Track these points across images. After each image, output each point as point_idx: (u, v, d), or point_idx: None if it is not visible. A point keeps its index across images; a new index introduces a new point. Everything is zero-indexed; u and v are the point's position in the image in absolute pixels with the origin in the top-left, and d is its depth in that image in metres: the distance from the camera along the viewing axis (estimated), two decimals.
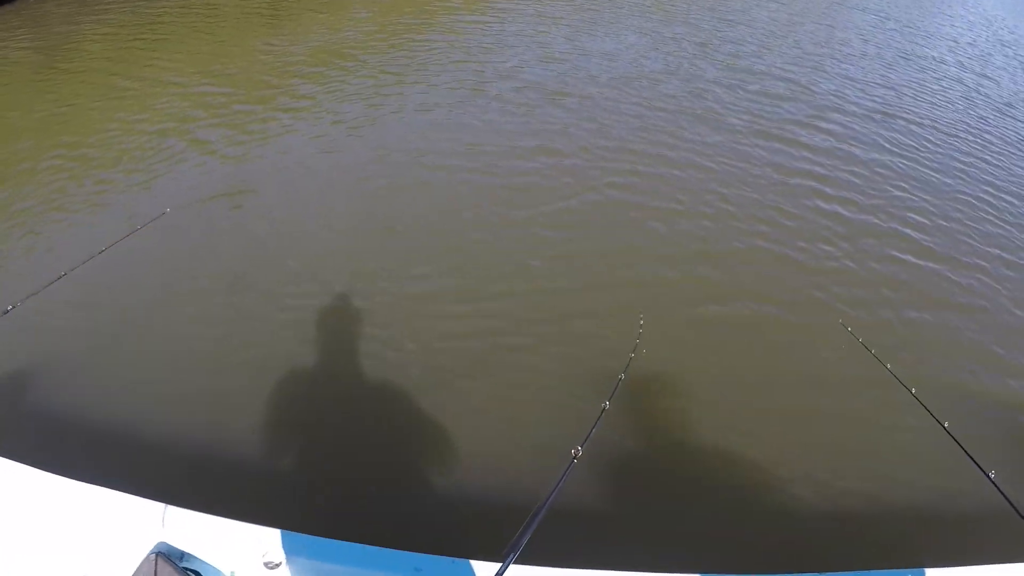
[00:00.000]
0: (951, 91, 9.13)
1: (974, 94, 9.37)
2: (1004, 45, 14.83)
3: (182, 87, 6.70)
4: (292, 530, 1.65)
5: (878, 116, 7.38)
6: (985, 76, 10.93)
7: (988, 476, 1.71)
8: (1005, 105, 9.35)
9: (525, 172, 5.40)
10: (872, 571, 1.74)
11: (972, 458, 1.80)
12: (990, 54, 12.88)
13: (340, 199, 4.84)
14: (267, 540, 1.62)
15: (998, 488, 1.67)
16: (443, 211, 4.73)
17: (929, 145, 6.81)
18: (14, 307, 2.25)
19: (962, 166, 6.42)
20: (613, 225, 4.73)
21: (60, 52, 7.48)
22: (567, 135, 6.08)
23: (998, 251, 4.96)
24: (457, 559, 1.64)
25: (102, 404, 2.99)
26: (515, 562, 1.30)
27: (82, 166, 5.11)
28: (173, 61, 7.39)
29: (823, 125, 6.88)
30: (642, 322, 3.29)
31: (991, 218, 5.47)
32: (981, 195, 5.85)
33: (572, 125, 6.30)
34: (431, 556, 1.64)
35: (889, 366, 2.46)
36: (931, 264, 4.68)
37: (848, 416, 3.25)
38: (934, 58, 10.71)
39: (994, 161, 6.66)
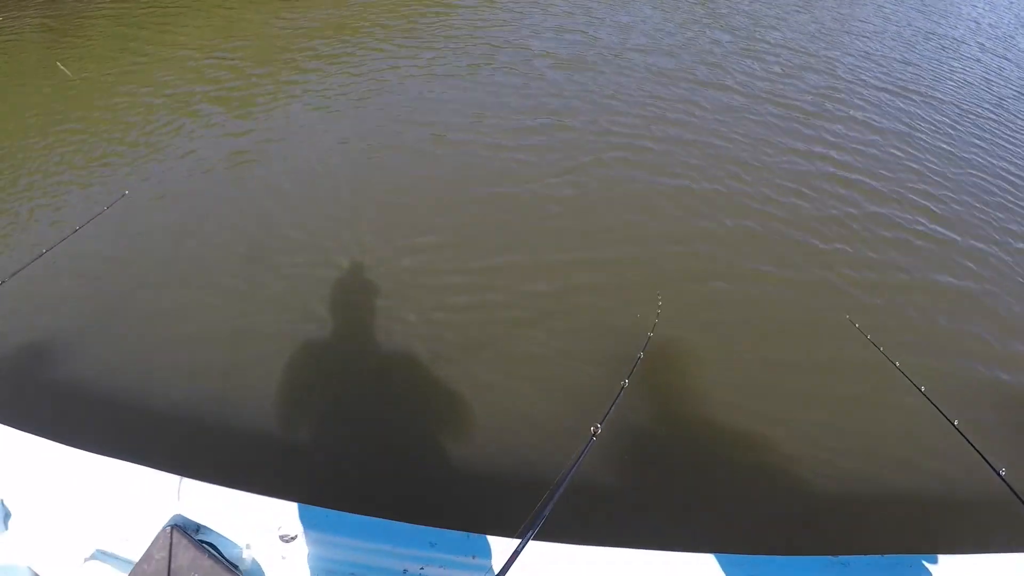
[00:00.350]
0: (971, 71, 8.95)
1: (994, 75, 9.18)
2: None
3: (196, 55, 6.61)
4: (308, 503, 1.65)
5: (897, 92, 7.24)
6: (1006, 58, 10.69)
7: (999, 474, 1.69)
8: None
9: (535, 130, 5.35)
10: (887, 555, 1.74)
11: (984, 457, 1.78)
12: (1012, 36, 12.59)
13: (348, 166, 4.78)
14: (283, 513, 1.62)
15: (1010, 487, 1.65)
16: (452, 179, 4.67)
17: (949, 122, 6.69)
18: (4, 282, 2.18)
19: (982, 144, 6.31)
20: (628, 197, 4.66)
21: (72, 25, 7.38)
22: (579, 104, 5.98)
23: (1020, 230, 4.90)
24: (472, 534, 1.64)
25: (114, 375, 2.99)
26: (533, 538, 1.29)
27: (94, 135, 5.07)
28: (186, 31, 7.29)
29: (842, 98, 6.76)
30: (660, 300, 3.26)
31: (1008, 197, 5.40)
32: (1001, 173, 5.77)
33: (585, 94, 6.19)
34: (446, 531, 1.64)
35: (898, 363, 2.38)
36: (945, 239, 4.62)
37: (864, 397, 3.23)
38: (955, 38, 10.49)
39: (1015, 140, 6.56)
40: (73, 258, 3.54)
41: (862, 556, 1.73)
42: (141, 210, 4.12)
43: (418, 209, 4.30)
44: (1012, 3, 16.32)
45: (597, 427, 1.62)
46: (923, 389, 2.07)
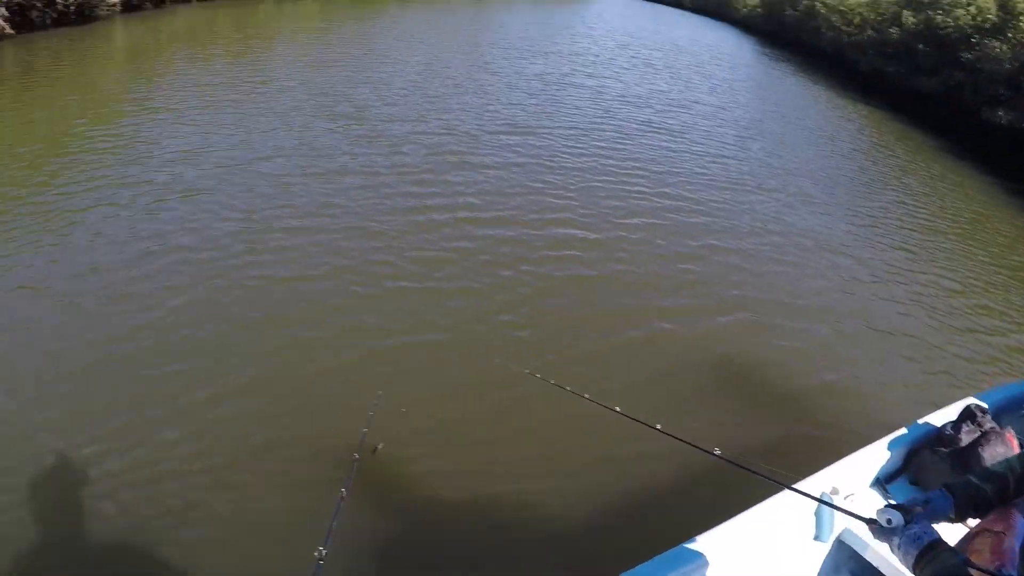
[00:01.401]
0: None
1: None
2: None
3: None
4: None
5: (516, 132, 7.69)
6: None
7: (714, 454, 1.65)
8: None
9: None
10: None
11: (696, 446, 1.72)
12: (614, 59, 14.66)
13: None
14: None
15: (730, 461, 1.60)
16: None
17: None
18: None
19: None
20: (273, 310, 3.89)
21: None
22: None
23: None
24: None
25: None
26: None
27: None
28: None
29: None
30: (380, 392, 2.80)
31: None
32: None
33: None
34: None
35: (587, 395, 2.20)
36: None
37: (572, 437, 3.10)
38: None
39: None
40: None
41: None
42: None
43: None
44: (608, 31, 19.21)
45: (321, 550, 1.36)
46: (618, 409, 1.95)
